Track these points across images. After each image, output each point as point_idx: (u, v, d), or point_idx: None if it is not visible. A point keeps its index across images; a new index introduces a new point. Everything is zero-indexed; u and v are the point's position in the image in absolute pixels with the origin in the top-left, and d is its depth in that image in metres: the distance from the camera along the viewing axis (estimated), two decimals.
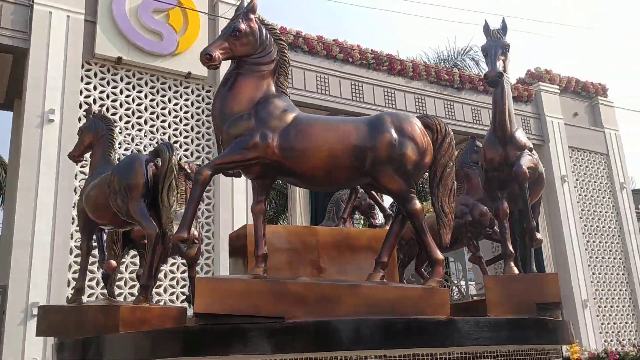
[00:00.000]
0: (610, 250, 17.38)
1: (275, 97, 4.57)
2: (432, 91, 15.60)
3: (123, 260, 9.37)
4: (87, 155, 6.15)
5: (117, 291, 9.28)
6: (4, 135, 25.27)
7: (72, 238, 10.21)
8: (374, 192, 7.61)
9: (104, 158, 5.81)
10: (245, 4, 4.72)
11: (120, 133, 10.94)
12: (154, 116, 11.62)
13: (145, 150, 11.15)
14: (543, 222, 16.16)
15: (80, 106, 10.85)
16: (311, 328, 3.97)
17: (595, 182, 17.94)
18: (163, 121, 11.68)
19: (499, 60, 5.29)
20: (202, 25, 12.25)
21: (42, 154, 10.22)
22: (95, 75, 11.30)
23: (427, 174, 4.89)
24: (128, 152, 10.89)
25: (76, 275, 9.98)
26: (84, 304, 5.60)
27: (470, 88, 16.19)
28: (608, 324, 16.44)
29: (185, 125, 11.91)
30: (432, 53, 22.15)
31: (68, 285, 9.94)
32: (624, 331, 16.55)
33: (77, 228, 10.09)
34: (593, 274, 16.70)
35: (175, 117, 11.84)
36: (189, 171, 7.05)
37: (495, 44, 5.39)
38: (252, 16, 4.62)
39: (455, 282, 16.57)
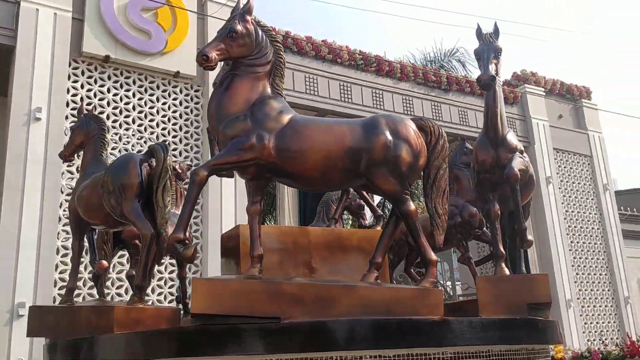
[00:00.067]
0: (594, 251, 17.62)
1: (271, 99, 4.59)
2: (419, 92, 15.68)
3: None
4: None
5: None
6: None
7: (58, 237, 10.13)
8: (364, 193, 7.66)
9: (95, 158, 5.79)
10: (242, 5, 4.74)
11: (107, 132, 10.83)
12: (142, 115, 11.55)
13: (133, 149, 11.08)
14: (528, 222, 16.29)
15: (68, 104, 10.77)
16: (306, 328, 4.01)
17: (579, 183, 18.17)
18: (151, 120, 11.61)
19: (492, 64, 5.37)
20: (190, 24, 12.19)
21: (29, 152, 10.12)
22: (83, 73, 11.20)
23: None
24: (116, 151, 10.82)
25: (63, 275, 9.99)
26: (76, 305, 5.57)
27: (457, 89, 16.30)
28: (591, 323, 16.66)
29: (174, 124, 11.85)
30: (419, 54, 22.27)
31: (55, 285, 9.86)
32: (607, 330, 16.78)
33: (64, 227, 10.15)
34: (577, 274, 16.91)
35: (164, 116, 11.78)
36: (180, 171, 7.05)
37: (488, 47, 5.48)
38: (248, 17, 4.64)
39: (442, 282, 16.68)
